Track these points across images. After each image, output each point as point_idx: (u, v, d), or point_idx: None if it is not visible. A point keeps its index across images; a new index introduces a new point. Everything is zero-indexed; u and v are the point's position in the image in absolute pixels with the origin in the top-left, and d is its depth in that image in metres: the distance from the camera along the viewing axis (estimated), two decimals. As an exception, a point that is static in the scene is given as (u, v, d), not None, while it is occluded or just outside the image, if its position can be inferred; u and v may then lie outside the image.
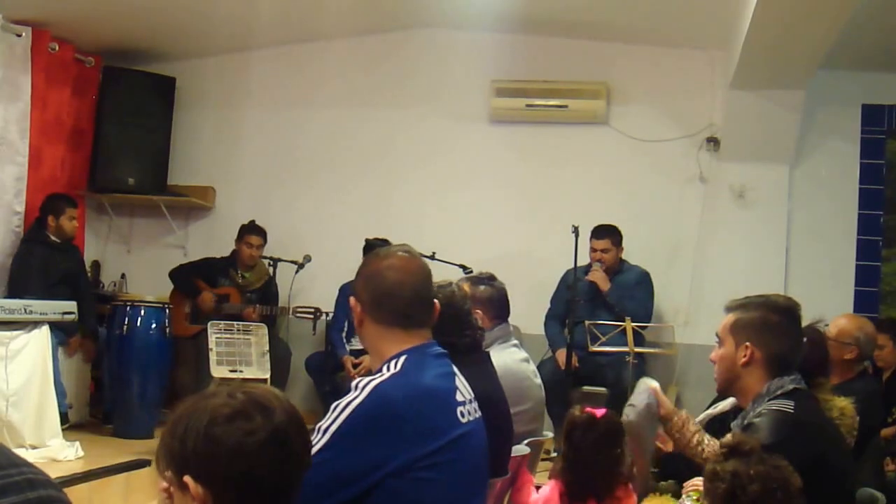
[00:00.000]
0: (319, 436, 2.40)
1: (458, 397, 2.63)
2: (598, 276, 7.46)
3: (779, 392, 3.14)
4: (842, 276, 7.87)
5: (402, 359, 2.59)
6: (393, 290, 2.67)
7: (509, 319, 5.04)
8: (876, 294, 7.88)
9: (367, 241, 7.82)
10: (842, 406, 4.01)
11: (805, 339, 3.45)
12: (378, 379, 2.50)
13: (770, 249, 7.85)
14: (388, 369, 2.56)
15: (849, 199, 7.93)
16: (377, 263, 2.73)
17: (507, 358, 4.78)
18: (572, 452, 3.41)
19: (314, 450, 2.32)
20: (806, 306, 5.08)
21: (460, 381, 2.70)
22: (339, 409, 2.43)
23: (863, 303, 7.78)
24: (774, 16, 5.95)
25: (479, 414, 2.72)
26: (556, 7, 7.71)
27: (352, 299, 2.74)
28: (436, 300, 2.77)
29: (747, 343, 3.19)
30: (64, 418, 6.64)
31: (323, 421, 2.42)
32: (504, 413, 3.52)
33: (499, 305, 4.89)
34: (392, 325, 2.67)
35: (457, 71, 8.44)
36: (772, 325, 3.21)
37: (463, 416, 2.61)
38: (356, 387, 2.47)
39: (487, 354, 4.05)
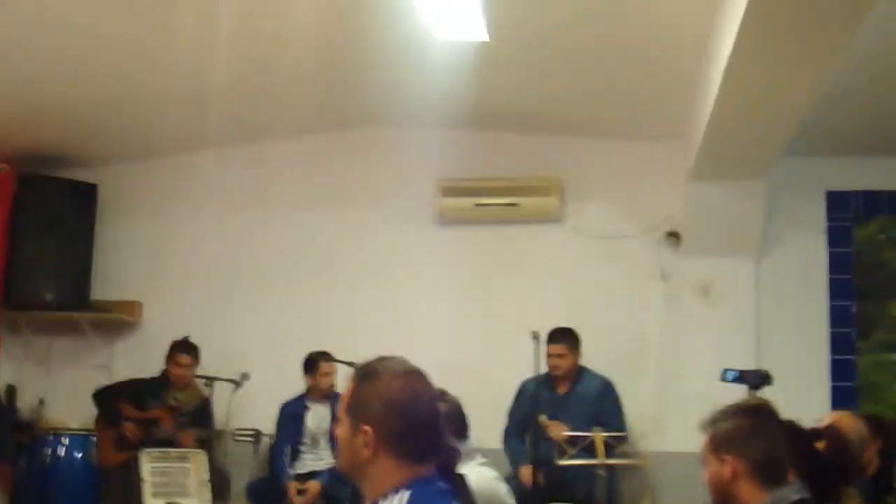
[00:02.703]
0: None
1: None
2: (556, 432, 6.79)
3: None
4: (817, 371, 7.53)
5: (407, 495, 2.28)
6: (428, 420, 2.37)
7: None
8: (853, 389, 7.55)
9: (309, 355, 7.40)
10: None
11: (824, 443, 3.31)
12: None
13: (740, 347, 7.42)
14: None
15: (818, 290, 7.63)
16: (405, 389, 2.37)
17: (479, 477, 4.43)
18: None
19: None
20: (782, 404, 4.72)
21: None
22: None
23: (840, 398, 7.44)
24: (736, 104, 5.67)
25: None
26: (505, 101, 7.37)
27: (366, 428, 2.33)
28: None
29: (726, 456, 3.00)
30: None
31: None
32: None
33: (458, 422, 4.55)
34: (415, 459, 2.34)
35: (403, 170, 8.00)
36: (746, 431, 3.04)
37: None
38: None
39: (463, 478, 3.73)
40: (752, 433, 3.02)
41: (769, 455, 2.99)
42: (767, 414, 3.13)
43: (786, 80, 5.24)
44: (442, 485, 2.43)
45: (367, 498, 2.40)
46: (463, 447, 4.55)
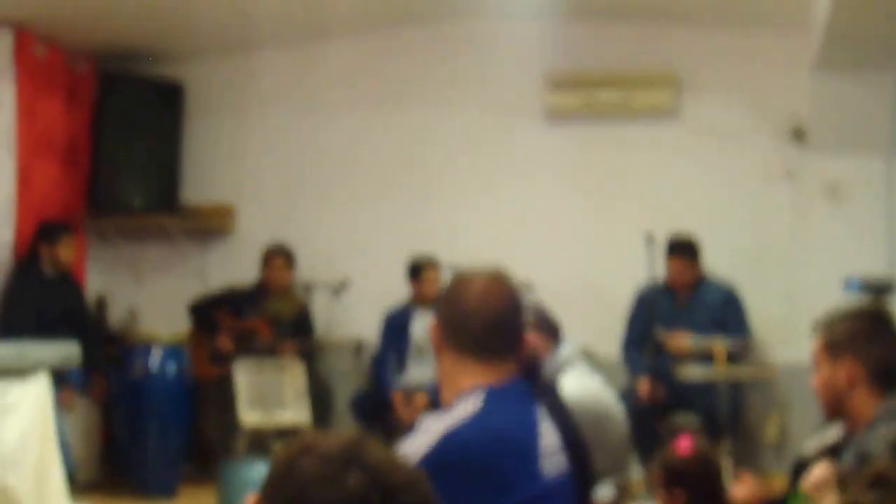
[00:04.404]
0: None
1: (544, 446, 2.41)
2: (677, 345, 6.49)
3: None
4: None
5: (482, 397, 2.38)
6: (469, 315, 2.47)
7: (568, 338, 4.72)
8: None
9: (414, 260, 7.04)
10: None
11: None
12: (452, 420, 2.32)
13: (871, 251, 6.97)
14: (465, 408, 2.36)
15: (957, 191, 7.13)
16: (458, 286, 2.56)
17: (579, 386, 4.41)
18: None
19: None
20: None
21: (548, 427, 2.46)
22: (405, 455, 2.17)
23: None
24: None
25: (566, 467, 2.49)
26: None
27: (431, 322, 2.58)
28: (525, 333, 2.61)
29: (844, 360, 2.94)
30: (72, 478, 5.69)
31: None
32: (580, 456, 3.04)
33: (548, 322, 4.56)
34: (468, 354, 2.47)
35: (503, 64, 7.50)
36: (866, 334, 2.98)
37: (548, 469, 2.39)
38: (427, 429, 2.30)
39: (551, 386, 3.58)
40: (871, 337, 2.96)
41: (887, 361, 2.93)
42: (885, 319, 3.06)
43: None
44: (522, 387, 2.49)
45: (444, 399, 2.47)
46: (565, 351, 4.57)
